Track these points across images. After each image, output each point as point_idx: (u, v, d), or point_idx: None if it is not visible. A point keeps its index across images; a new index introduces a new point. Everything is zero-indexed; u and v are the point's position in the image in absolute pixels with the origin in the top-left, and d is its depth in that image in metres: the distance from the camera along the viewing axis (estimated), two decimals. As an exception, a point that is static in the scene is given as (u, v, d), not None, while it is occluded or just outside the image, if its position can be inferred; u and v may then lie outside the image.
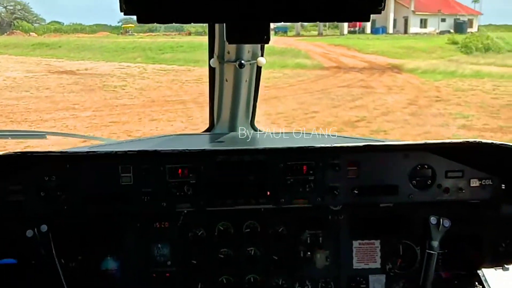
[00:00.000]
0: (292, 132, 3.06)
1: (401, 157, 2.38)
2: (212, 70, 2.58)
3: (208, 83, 2.74)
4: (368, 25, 56.79)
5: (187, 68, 27.82)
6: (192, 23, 1.02)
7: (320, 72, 25.88)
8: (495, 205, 2.40)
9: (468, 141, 2.25)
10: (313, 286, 2.46)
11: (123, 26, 68.63)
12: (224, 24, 1.14)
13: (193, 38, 42.34)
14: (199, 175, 2.33)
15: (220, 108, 2.82)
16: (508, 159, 2.32)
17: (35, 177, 2.27)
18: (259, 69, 2.60)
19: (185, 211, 2.38)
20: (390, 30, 53.79)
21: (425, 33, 49.49)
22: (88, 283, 2.37)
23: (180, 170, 2.32)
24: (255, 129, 2.99)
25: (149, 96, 19.44)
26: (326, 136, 2.92)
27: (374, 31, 55.19)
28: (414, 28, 51.68)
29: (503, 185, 2.40)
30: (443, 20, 52.67)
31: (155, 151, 2.25)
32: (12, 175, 2.25)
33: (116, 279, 2.38)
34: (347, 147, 2.31)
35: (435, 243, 2.30)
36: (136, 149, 2.26)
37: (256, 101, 2.84)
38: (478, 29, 51.11)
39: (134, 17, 0.97)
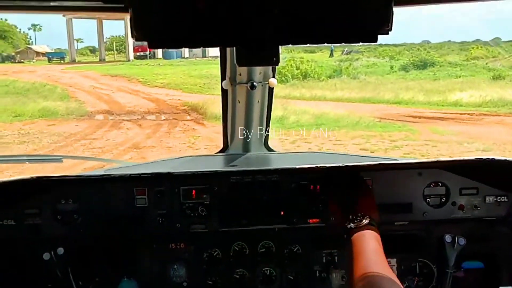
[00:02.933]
0: (306, 152, 3.36)
1: (415, 175, 2.39)
2: (224, 92, 2.61)
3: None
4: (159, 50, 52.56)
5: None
6: (201, 48, 1.04)
7: (73, 126, 18.80)
8: (511, 222, 2.39)
9: (481, 159, 2.24)
10: None
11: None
12: (234, 48, 1.15)
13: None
14: (213, 196, 2.35)
15: (233, 129, 2.85)
16: None
17: (51, 200, 2.30)
18: (271, 89, 2.62)
19: (200, 232, 2.37)
20: (186, 53, 51.75)
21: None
22: None
23: (194, 191, 2.35)
24: (268, 149, 3.01)
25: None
26: (338, 155, 2.94)
27: (167, 55, 52.55)
28: (214, 50, 46.82)
29: None
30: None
31: (169, 173, 2.27)
32: (29, 199, 2.29)
33: None
34: (360, 165, 2.28)
35: (451, 262, 2.30)
36: (151, 171, 2.28)
37: (269, 122, 2.87)
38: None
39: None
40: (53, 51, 63.86)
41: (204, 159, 3.14)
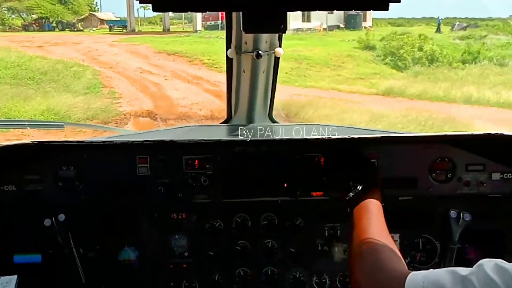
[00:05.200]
0: (310, 124, 3.09)
1: (421, 149, 2.37)
2: (229, 61, 2.57)
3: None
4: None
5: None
6: (207, 12, 1.03)
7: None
8: None
9: (489, 133, 2.24)
10: (331, 279, 2.45)
11: None
12: (241, 13, 1.14)
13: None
14: (216, 166, 2.34)
15: (238, 99, 2.81)
16: None
17: (52, 167, 2.30)
18: (277, 60, 2.57)
19: (202, 202, 2.37)
20: None
21: (309, 29, 41.32)
22: (106, 273, 2.39)
23: (197, 161, 2.34)
24: (273, 121, 2.99)
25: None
26: (345, 128, 2.90)
27: None
28: (294, 22, 41.46)
29: None
30: (330, 11, 40.85)
31: (172, 141, 2.26)
32: (29, 164, 2.29)
33: (134, 269, 2.40)
34: (366, 138, 2.29)
35: (455, 237, 2.28)
36: (153, 139, 2.27)
37: (274, 93, 2.83)
38: (372, 23, 46.26)
39: None
40: (118, 19, 57.84)
41: (207, 129, 3.12)
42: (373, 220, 1.80)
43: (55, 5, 54.97)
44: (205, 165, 2.34)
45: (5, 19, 55.75)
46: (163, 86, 18.86)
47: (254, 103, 2.79)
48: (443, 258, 2.34)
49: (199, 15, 43.56)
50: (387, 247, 1.66)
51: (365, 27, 45.35)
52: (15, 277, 2.18)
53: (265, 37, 2.32)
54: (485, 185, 2.38)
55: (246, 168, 2.35)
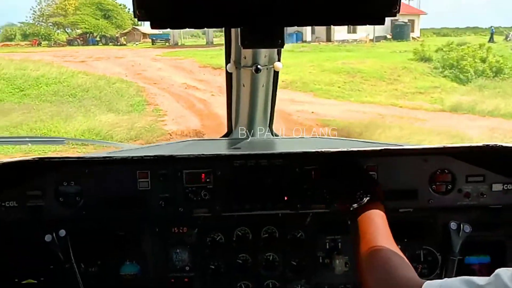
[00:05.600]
0: (309, 137, 3.08)
1: (420, 162, 2.36)
2: (229, 75, 2.59)
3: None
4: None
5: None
6: (206, 28, 1.05)
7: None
8: None
9: (488, 145, 2.21)
10: None
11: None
12: (239, 29, 1.15)
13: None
14: (216, 180, 2.35)
15: (238, 113, 2.83)
16: None
17: (53, 182, 2.32)
18: (276, 73, 2.59)
19: (203, 216, 2.38)
20: (308, 37, 44.77)
21: (355, 40, 41.29)
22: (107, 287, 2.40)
23: (197, 175, 2.34)
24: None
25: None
26: (344, 141, 2.91)
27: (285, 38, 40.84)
28: (340, 33, 41.87)
29: None
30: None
31: (171, 156, 2.28)
32: (31, 180, 2.31)
33: (136, 284, 2.41)
34: (365, 151, 2.29)
35: (456, 249, 2.25)
36: (153, 154, 2.28)
37: (274, 106, 2.84)
38: (420, 33, 45.41)
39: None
40: (161, 32, 58.33)
41: (207, 143, 3.16)
42: (380, 231, 1.80)
43: (99, 19, 55.79)
44: (205, 179, 2.34)
45: (51, 34, 56.71)
46: (209, 102, 17.82)
47: (254, 117, 2.80)
48: (444, 270, 2.29)
49: (242, 28, 43.01)
50: (398, 255, 1.66)
51: (413, 38, 44.13)
52: None
53: (264, 52, 2.32)
54: (485, 196, 2.36)
55: (246, 182, 2.35)
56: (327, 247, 2.42)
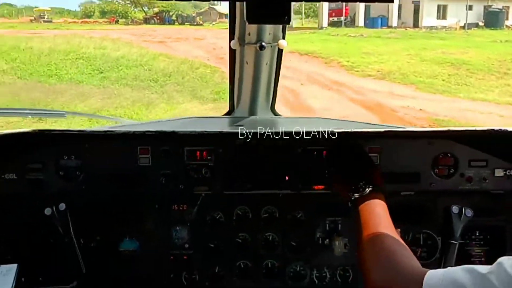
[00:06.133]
0: (312, 117, 3.19)
1: (424, 145, 2.31)
2: (232, 52, 2.54)
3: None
4: (359, 13, 44.27)
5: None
6: (211, 1, 1.01)
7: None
8: None
9: (492, 129, 2.15)
10: (331, 273, 2.43)
11: (35, 9, 60.04)
12: (244, 4, 1.14)
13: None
14: (218, 158, 2.33)
15: (240, 91, 2.79)
16: None
17: (54, 156, 2.31)
18: (280, 51, 2.54)
19: (203, 194, 2.37)
20: (394, 22, 41.80)
21: (445, 26, 38.48)
22: (106, 263, 2.40)
23: (198, 152, 2.32)
24: (275, 114, 2.96)
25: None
26: (348, 122, 2.88)
27: (369, 23, 41.42)
28: (428, 19, 39.50)
29: None
30: (470, 7, 38.86)
31: (173, 132, 2.25)
32: (31, 153, 2.31)
33: (135, 260, 2.40)
34: (369, 132, 2.24)
35: (457, 233, 2.21)
36: (155, 129, 2.26)
37: (277, 85, 2.79)
38: None
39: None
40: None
41: (209, 121, 3.11)
42: (381, 220, 1.78)
43: (177, -3, 56.06)
44: (206, 156, 2.31)
45: (128, 12, 57.04)
46: (299, 93, 16.18)
47: (257, 96, 2.76)
48: (444, 254, 2.23)
49: (325, 10, 40.52)
50: (401, 244, 1.65)
51: (506, 26, 40.84)
52: (15, 265, 2.19)
53: (268, 29, 2.26)
54: (487, 181, 2.31)
55: (247, 161, 2.32)
56: (327, 228, 2.39)
